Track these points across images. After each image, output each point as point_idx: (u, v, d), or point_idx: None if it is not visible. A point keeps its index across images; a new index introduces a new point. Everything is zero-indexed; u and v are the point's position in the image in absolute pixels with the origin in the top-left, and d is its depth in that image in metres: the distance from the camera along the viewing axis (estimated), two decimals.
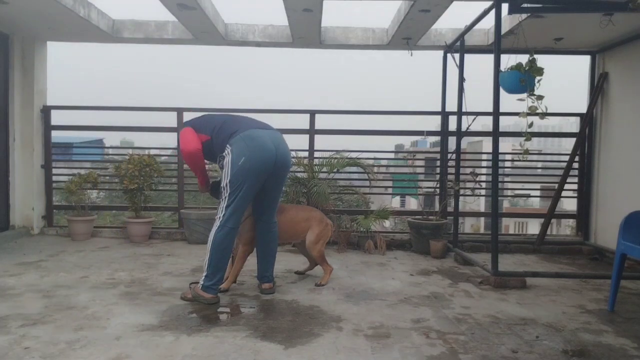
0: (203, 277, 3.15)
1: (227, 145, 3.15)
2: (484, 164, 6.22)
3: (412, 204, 12.52)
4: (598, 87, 5.19)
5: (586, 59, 5.49)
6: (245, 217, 3.38)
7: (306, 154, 5.64)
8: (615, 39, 4.90)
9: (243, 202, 3.16)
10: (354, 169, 6.07)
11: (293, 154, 5.53)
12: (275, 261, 3.54)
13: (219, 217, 3.14)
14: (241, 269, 3.56)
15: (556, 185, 5.28)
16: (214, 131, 3.26)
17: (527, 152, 3.99)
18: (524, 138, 3.90)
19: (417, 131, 6.10)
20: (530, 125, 3.80)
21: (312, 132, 5.67)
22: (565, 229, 15.17)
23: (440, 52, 5.44)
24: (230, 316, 2.97)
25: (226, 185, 3.12)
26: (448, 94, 5.41)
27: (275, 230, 3.49)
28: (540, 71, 3.74)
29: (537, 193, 7.32)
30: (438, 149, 5.90)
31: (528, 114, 3.75)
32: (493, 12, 3.78)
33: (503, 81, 3.77)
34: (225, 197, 3.13)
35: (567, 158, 5.24)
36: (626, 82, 4.89)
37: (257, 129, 3.24)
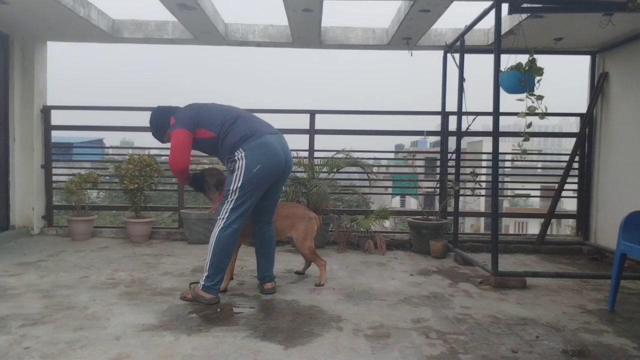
0: (204, 277, 3.13)
1: (240, 150, 3.08)
2: (484, 164, 6.23)
3: (412, 204, 12.51)
4: (598, 87, 5.19)
5: (586, 59, 5.49)
6: None
7: (306, 154, 5.64)
8: (615, 39, 4.90)
9: (250, 206, 3.15)
10: (354, 169, 6.06)
11: (293, 154, 5.54)
12: (274, 260, 3.55)
13: (223, 218, 3.10)
14: (234, 264, 3.56)
15: (556, 185, 5.28)
16: (222, 128, 3.14)
17: (525, 152, 3.99)
18: (523, 138, 3.90)
19: (417, 131, 6.09)
20: (529, 125, 3.80)
21: (312, 132, 5.67)
22: (565, 229, 15.17)
23: (440, 52, 5.44)
24: (230, 316, 2.97)
25: (236, 189, 3.06)
26: (448, 94, 5.41)
27: (272, 229, 3.50)
28: (540, 71, 3.74)
29: (537, 193, 7.31)
30: (438, 149, 5.91)
31: (527, 114, 3.75)
32: (493, 12, 3.78)
33: (503, 81, 3.77)
34: (232, 200, 3.08)
35: (567, 158, 5.24)
36: (626, 82, 4.89)
37: (270, 134, 3.18)
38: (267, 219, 3.45)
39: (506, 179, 8.11)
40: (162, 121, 3.34)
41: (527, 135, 3.88)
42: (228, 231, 3.09)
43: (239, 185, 3.06)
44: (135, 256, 4.62)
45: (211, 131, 3.16)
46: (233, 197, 3.09)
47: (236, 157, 3.09)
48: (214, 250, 3.10)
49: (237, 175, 3.07)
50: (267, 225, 3.46)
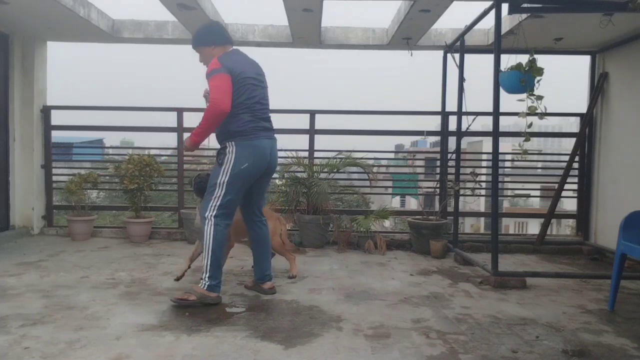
0: (207, 277, 3.12)
1: (232, 143, 3.14)
2: (484, 164, 6.22)
3: (412, 204, 12.52)
4: (598, 87, 5.19)
5: (586, 59, 5.49)
6: None
7: (306, 154, 5.64)
8: (615, 39, 4.90)
9: (236, 201, 3.23)
10: (354, 169, 6.07)
11: (293, 153, 5.56)
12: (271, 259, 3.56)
13: (212, 216, 3.12)
14: (197, 254, 3.57)
15: (556, 185, 5.28)
16: (233, 102, 3.09)
17: (525, 152, 3.99)
18: (524, 138, 3.90)
19: (417, 131, 6.10)
20: (530, 125, 3.80)
21: (312, 132, 5.67)
22: (565, 229, 15.18)
23: (440, 52, 5.44)
24: (230, 316, 2.97)
25: (223, 182, 3.10)
26: (448, 94, 5.41)
27: (266, 228, 3.52)
28: (540, 71, 3.73)
29: (537, 193, 7.32)
30: (438, 149, 5.91)
31: (527, 114, 3.75)
32: (493, 12, 3.78)
33: (503, 81, 3.77)
34: (220, 195, 3.11)
35: (567, 158, 5.23)
36: (626, 82, 4.89)
37: (265, 139, 3.25)
38: (256, 218, 3.48)
39: (506, 179, 8.11)
40: (206, 39, 3.27)
41: (528, 135, 3.88)
42: (220, 227, 3.13)
43: (226, 179, 3.11)
44: (135, 256, 4.62)
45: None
46: (221, 192, 3.11)
47: (227, 150, 3.15)
48: (212, 248, 3.11)
49: (224, 169, 3.12)
50: (260, 224, 3.49)
